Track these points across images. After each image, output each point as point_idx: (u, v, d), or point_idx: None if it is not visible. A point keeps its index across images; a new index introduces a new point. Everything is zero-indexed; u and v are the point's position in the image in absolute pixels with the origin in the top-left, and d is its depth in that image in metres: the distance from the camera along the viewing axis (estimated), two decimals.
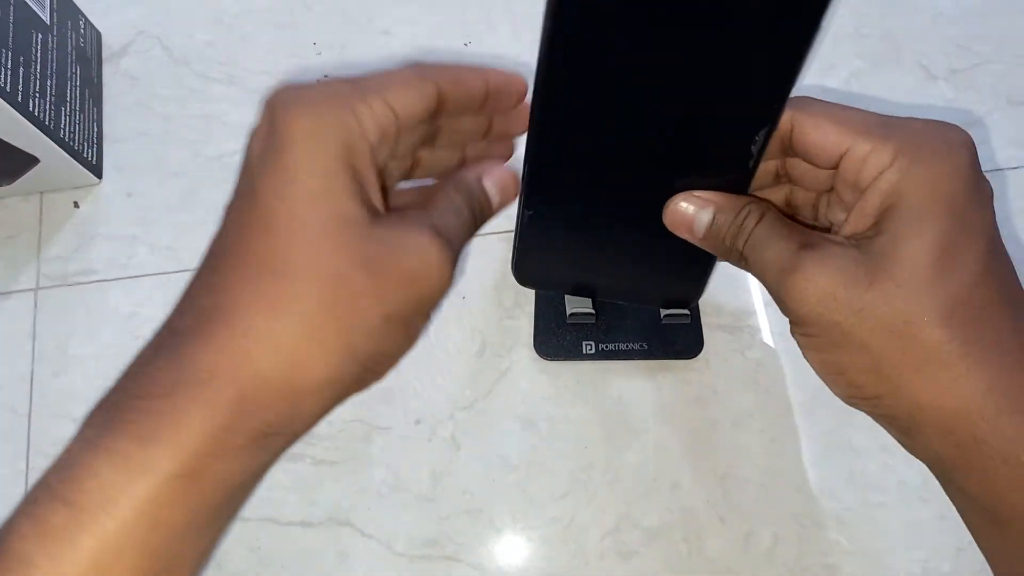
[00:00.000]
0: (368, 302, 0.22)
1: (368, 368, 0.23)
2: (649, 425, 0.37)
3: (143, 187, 0.42)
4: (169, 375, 0.20)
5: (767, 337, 0.38)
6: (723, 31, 0.22)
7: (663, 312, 0.37)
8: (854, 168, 0.24)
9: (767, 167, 0.28)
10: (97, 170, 0.41)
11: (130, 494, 0.19)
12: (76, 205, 0.41)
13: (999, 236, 0.24)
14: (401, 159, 0.26)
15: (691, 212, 0.27)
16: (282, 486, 0.36)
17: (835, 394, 0.26)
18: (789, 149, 0.26)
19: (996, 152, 0.41)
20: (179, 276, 0.40)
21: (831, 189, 0.27)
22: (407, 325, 0.23)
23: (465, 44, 0.44)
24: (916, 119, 0.24)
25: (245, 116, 0.43)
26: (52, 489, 0.19)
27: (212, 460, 0.20)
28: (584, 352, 0.38)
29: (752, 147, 0.26)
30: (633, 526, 0.36)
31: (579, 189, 0.29)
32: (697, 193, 0.27)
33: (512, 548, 0.35)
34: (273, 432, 0.21)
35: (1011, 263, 0.24)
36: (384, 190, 0.24)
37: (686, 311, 0.37)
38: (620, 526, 0.36)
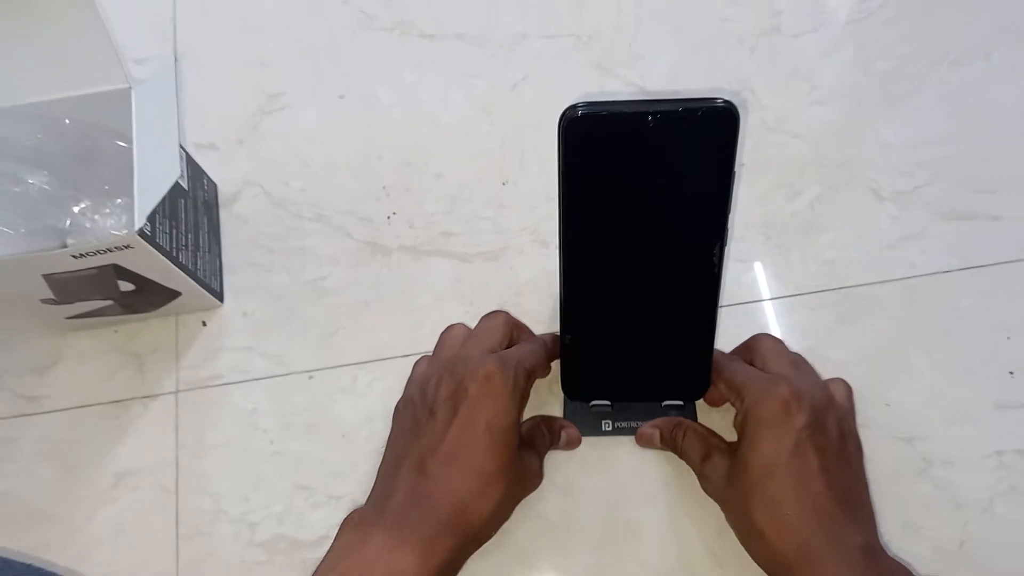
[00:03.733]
0: (512, 495, 0.42)
1: (497, 528, 0.42)
2: (659, 489, 0.47)
3: (255, 307, 0.53)
4: (432, 518, 0.38)
5: None
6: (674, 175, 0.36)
7: (663, 402, 0.47)
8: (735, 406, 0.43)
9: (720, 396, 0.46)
10: (219, 295, 0.53)
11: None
12: (204, 324, 0.53)
13: (806, 444, 0.39)
14: None
15: (649, 432, 0.47)
16: None
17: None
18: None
19: (934, 259, 0.51)
20: (287, 379, 0.51)
21: None
22: (514, 507, 0.44)
23: (503, 184, 0.55)
24: (769, 382, 0.42)
25: (332, 248, 0.54)
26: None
27: (447, 569, 0.39)
28: (603, 429, 0.48)
29: (713, 257, 0.38)
30: (652, 571, 0.45)
31: (601, 313, 0.41)
32: (648, 425, 0.47)
33: None
34: (464, 553, 0.40)
35: (817, 463, 0.39)
36: None
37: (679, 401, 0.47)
38: (641, 571, 0.45)
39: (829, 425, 0.40)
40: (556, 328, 0.45)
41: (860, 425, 0.45)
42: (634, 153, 0.35)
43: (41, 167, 0.45)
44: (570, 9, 0.60)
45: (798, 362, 0.45)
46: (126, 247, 0.43)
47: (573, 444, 0.47)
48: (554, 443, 0.46)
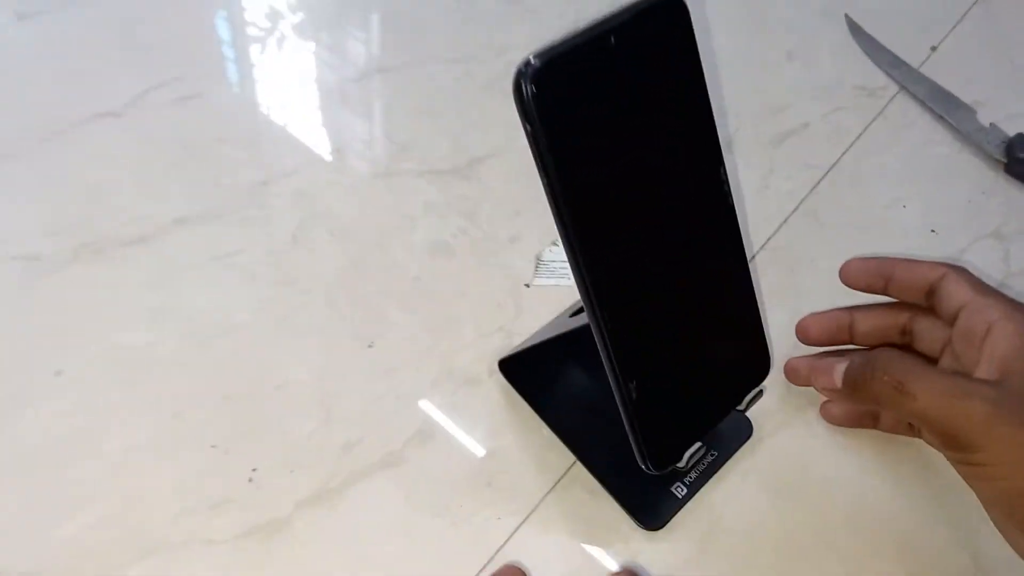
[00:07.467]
0: None
1: None
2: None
3: None
4: None
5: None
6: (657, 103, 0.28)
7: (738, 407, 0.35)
8: (969, 320, 0.32)
9: (896, 321, 0.36)
10: None
11: None
12: None
13: None
14: None
15: (827, 365, 0.34)
16: None
17: (1009, 523, 0.30)
18: (931, 296, 0.34)
19: None
20: None
21: (946, 347, 0.34)
22: None
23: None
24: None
25: None
26: None
27: None
28: (679, 498, 0.37)
29: (723, 185, 0.31)
30: None
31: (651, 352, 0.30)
32: (805, 357, 0.36)
33: None
34: None
35: None
36: None
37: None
38: None
39: None
40: None
41: None
42: (606, 85, 0.26)
43: None
44: None
45: None
46: None
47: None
48: None
